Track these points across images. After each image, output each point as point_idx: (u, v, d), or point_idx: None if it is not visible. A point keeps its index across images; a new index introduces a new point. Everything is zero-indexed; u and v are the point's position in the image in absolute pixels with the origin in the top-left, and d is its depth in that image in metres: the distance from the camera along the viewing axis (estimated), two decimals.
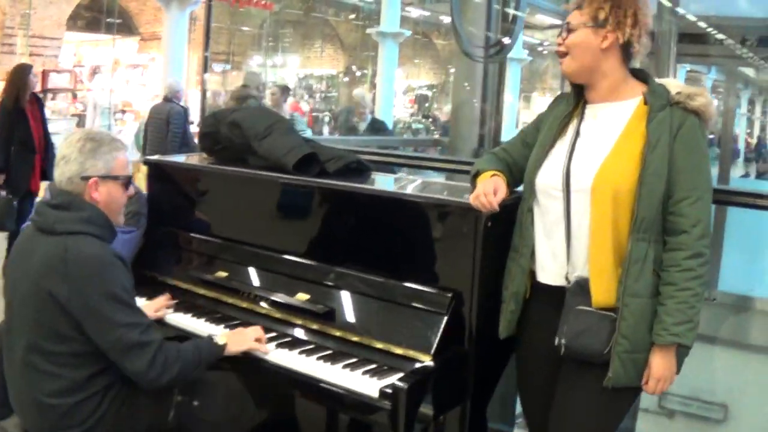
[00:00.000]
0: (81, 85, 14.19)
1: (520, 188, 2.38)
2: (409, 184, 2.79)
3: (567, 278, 2.22)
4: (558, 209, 2.23)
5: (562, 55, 2.25)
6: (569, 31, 2.22)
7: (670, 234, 2.13)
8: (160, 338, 2.30)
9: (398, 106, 18.90)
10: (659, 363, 2.12)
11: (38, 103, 6.49)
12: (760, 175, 13.90)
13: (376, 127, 7.22)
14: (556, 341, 2.18)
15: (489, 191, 2.21)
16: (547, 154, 2.30)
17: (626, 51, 2.21)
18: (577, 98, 2.32)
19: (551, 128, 2.34)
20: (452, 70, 24.04)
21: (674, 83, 2.25)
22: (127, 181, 2.42)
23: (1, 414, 2.71)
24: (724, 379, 3.67)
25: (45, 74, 12.28)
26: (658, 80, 2.27)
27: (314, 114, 18.43)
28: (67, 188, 2.33)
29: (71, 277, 2.18)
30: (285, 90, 7.15)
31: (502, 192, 2.24)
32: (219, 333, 2.56)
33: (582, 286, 2.17)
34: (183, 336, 2.65)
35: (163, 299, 2.84)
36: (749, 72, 20.25)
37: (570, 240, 2.21)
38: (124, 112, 14.63)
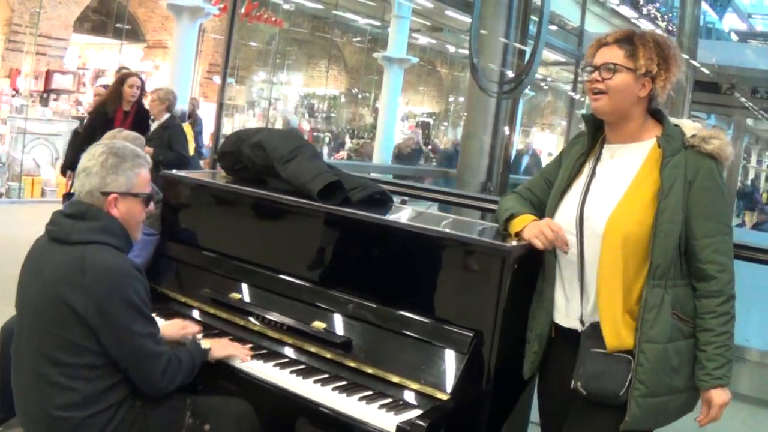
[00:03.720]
0: (84, 87, 14.13)
1: None
2: (434, 220, 2.77)
3: (582, 321, 2.22)
4: (572, 252, 2.23)
5: (597, 92, 2.20)
6: (612, 71, 2.17)
7: (699, 280, 2.15)
8: (169, 348, 2.33)
9: (397, 132, 18.93)
10: (716, 397, 2.14)
11: (139, 115, 6.27)
12: (756, 226, 13.53)
13: None
14: (572, 384, 2.18)
15: (555, 227, 2.22)
16: (563, 196, 2.30)
17: (652, 98, 2.22)
18: (593, 138, 2.32)
19: (567, 168, 2.34)
20: (452, 99, 24.29)
21: (690, 125, 2.24)
22: (148, 199, 2.41)
23: (4, 416, 2.68)
24: (713, 429, 3.67)
25: (49, 74, 12.28)
26: (673, 120, 2.26)
27: (315, 134, 18.48)
28: (86, 200, 2.32)
29: (89, 287, 2.16)
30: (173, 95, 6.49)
31: (561, 229, 2.24)
32: None
33: (596, 330, 2.17)
34: None
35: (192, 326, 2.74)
36: (749, 121, 20.45)
37: (584, 284, 2.21)
38: None
